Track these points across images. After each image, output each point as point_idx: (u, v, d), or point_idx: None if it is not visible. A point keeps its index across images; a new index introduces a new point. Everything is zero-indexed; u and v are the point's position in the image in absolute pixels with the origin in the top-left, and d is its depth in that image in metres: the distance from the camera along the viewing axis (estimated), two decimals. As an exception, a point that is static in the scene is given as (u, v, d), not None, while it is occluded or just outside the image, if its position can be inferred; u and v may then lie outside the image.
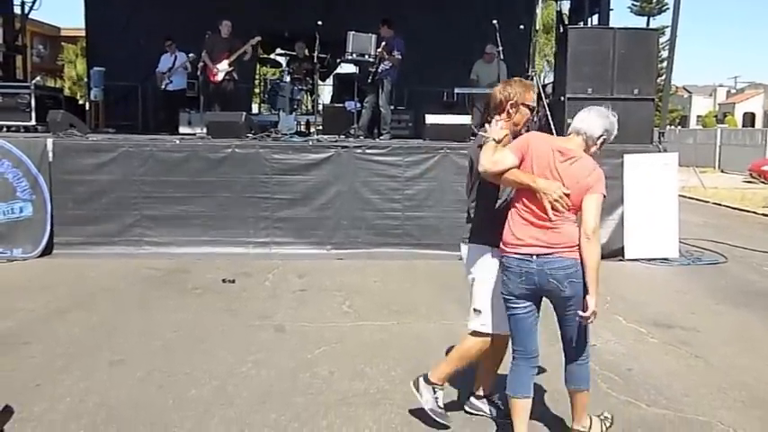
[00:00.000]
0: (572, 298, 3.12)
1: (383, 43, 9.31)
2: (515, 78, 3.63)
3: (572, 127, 3.25)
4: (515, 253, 3.17)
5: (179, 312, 5.67)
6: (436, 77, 11.40)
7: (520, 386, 3.28)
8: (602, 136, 3.19)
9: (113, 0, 12.86)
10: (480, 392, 3.78)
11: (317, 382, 4.18)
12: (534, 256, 3.12)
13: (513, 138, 3.42)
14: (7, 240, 7.69)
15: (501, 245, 3.25)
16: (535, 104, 3.51)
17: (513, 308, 3.26)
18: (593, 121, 3.19)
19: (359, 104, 9.82)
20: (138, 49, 11.82)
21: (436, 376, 3.59)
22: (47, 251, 7.77)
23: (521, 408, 3.27)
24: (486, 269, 3.47)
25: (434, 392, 3.57)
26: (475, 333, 3.54)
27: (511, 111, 3.44)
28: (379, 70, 9.41)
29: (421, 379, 3.60)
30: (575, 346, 3.25)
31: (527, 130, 3.58)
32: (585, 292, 3.08)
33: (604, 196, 3.12)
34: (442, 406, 3.59)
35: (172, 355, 4.64)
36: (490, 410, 3.74)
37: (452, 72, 11.11)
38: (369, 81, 9.58)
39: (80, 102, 14.29)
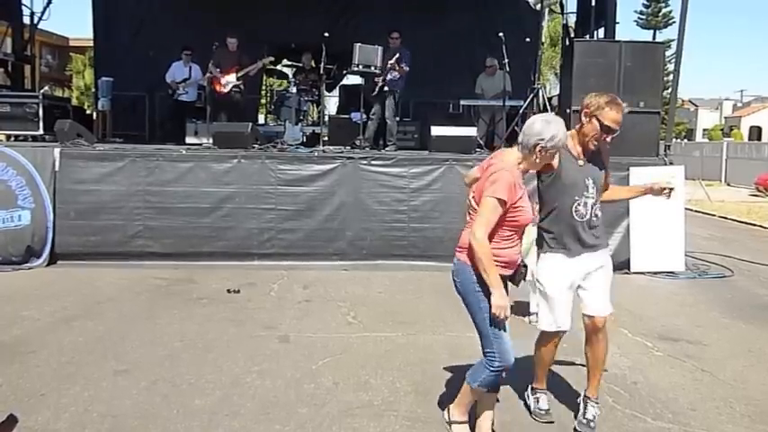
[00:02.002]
0: (462, 295, 3.34)
1: (396, 55, 9.32)
2: (610, 94, 3.58)
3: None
4: None
5: (184, 322, 5.68)
6: (442, 89, 11.47)
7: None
8: (537, 144, 3.23)
9: (122, 11, 13.04)
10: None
11: (321, 392, 4.18)
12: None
13: (583, 149, 3.59)
14: (10, 249, 7.68)
15: None
16: (613, 127, 3.48)
17: None
18: (529, 129, 3.27)
19: (364, 116, 9.85)
20: (146, 60, 11.94)
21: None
22: (52, 260, 7.79)
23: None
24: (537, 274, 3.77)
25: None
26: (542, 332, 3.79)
27: (584, 119, 3.56)
28: (387, 80, 9.44)
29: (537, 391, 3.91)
30: (481, 342, 3.33)
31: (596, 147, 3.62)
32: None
33: (499, 199, 3.13)
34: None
35: (177, 364, 4.64)
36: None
37: (458, 84, 11.17)
38: (374, 92, 9.62)
39: (88, 111, 14.36)
